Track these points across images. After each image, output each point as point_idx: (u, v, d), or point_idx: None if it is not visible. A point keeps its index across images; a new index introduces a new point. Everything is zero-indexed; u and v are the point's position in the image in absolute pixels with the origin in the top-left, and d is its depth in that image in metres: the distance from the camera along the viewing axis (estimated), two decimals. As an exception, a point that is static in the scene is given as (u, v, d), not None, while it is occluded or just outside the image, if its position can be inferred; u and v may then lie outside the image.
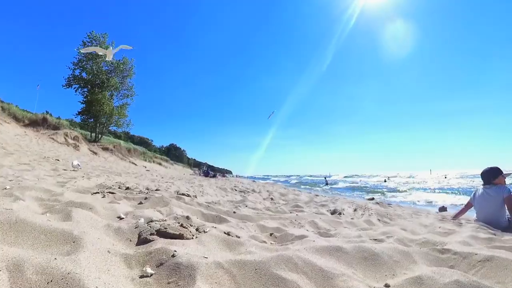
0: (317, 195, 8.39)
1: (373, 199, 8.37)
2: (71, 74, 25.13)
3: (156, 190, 4.34)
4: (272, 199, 6.40)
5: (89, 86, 25.59)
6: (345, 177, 50.21)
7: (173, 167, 43.47)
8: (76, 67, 25.19)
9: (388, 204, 6.67)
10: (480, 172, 3.70)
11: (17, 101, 21.26)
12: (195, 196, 4.17)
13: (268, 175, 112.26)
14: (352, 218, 3.47)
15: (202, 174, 30.63)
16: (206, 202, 3.52)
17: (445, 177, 30.19)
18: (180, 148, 67.92)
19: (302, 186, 19.86)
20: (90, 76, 25.37)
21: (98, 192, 3.03)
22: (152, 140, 55.24)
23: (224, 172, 53.40)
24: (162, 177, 10.68)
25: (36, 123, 17.48)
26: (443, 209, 6.12)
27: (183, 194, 3.78)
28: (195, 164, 67.44)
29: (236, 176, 50.53)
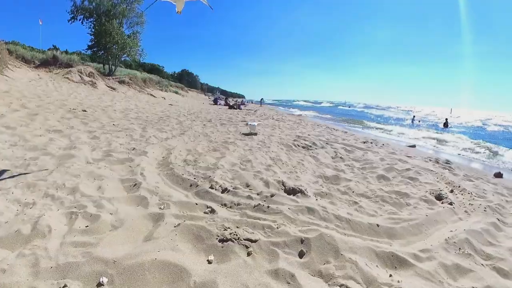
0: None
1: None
2: (73, 6, 22.19)
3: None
4: (341, 158, 5.63)
5: (95, 15, 22.72)
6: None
7: (189, 94, 42.48)
8: None
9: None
10: None
11: (20, 40, 19.40)
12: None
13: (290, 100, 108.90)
14: None
15: (221, 103, 29.52)
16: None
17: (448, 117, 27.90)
18: (193, 74, 64.57)
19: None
20: (93, 5, 22.41)
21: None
22: (163, 67, 51.84)
23: (236, 97, 51.67)
24: (207, 120, 9.84)
25: (47, 62, 15.88)
26: (498, 175, 5.37)
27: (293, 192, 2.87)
28: (208, 89, 65.54)
29: (252, 102, 48.77)
